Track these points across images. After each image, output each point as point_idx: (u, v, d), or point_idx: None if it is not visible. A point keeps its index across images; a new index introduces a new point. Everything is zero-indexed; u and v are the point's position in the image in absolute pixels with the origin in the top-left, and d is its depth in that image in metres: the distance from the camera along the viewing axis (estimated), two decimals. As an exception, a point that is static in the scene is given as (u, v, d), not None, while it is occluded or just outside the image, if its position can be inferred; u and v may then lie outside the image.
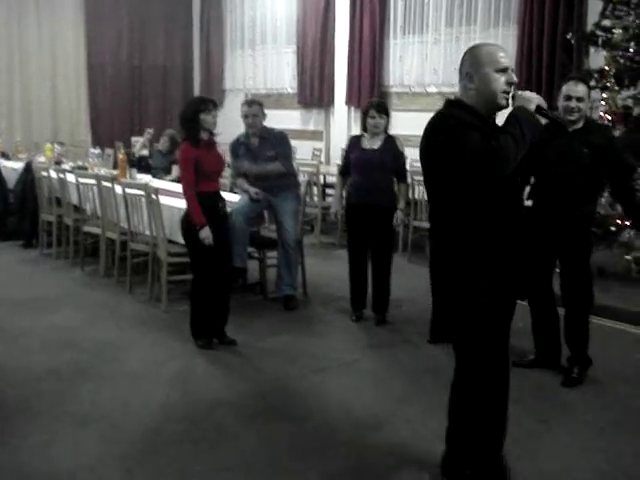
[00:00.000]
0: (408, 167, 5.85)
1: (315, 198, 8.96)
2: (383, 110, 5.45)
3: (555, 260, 4.52)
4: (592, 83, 6.11)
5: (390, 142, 5.45)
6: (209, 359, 4.78)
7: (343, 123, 10.95)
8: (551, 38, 8.16)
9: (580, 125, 4.32)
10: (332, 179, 9.59)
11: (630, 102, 6.28)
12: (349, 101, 10.68)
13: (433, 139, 2.87)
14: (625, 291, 5.95)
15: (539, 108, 2.85)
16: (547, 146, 4.41)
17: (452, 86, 9.53)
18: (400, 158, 5.56)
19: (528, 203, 4.43)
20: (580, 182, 4.30)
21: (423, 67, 9.83)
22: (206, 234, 4.70)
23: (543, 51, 8.25)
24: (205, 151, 4.80)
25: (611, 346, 5.02)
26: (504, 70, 2.85)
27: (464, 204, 2.89)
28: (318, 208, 8.60)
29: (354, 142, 5.60)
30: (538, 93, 8.09)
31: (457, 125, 2.78)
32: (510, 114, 2.82)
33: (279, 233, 5.91)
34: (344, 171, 5.68)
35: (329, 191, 9.66)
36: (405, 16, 9.93)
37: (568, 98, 4.28)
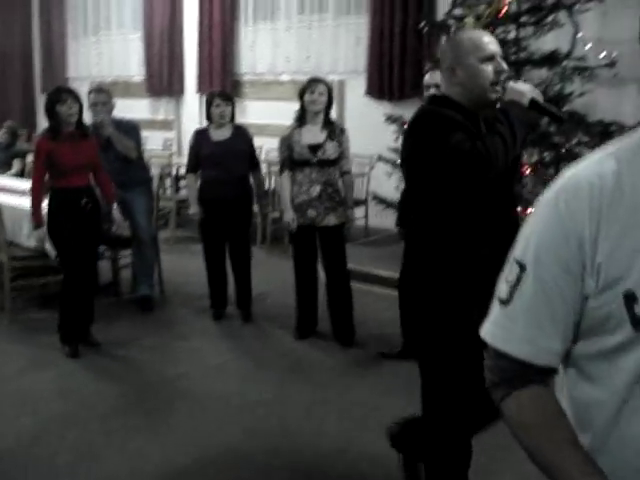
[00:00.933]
0: (263, 156, 5.66)
1: (168, 191, 8.59)
2: (228, 98, 5.24)
3: None
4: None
5: (240, 131, 5.25)
6: (66, 370, 4.40)
7: (195, 112, 10.57)
8: (403, 26, 8.21)
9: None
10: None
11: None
12: (200, 89, 10.33)
13: (411, 140, 2.54)
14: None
15: (533, 102, 2.42)
16: None
17: (305, 74, 9.35)
18: (252, 146, 5.34)
19: None
20: None
21: (275, 55, 9.65)
22: (38, 235, 4.54)
23: (394, 39, 8.30)
24: (64, 144, 4.44)
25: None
26: (491, 58, 2.45)
27: (445, 208, 2.51)
28: (172, 201, 8.25)
29: (202, 136, 5.27)
30: (389, 80, 8.25)
31: (439, 124, 2.43)
32: (500, 110, 2.47)
33: (133, 230, 5.54)
34: (194, 168, 5.32)
35: (184, 182, 9.30)
36: (256, 3, 9.70)
37: (427, 88, 4.25)
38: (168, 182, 8.63)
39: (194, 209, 5.26)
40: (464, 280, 2.52)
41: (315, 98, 4.67)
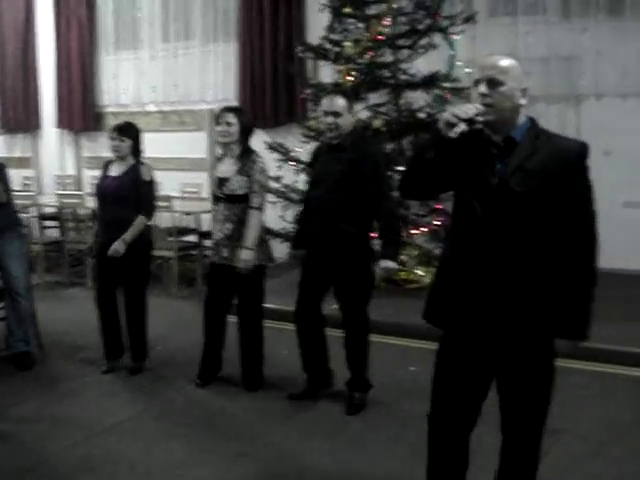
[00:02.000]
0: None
1: (34, 232, 7.98)
2: (125, 132, 4.81)
3: (327, 283, 4.28)
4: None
5: (134, 169, 4.82)
6: None
7: (54, 148, 10.03)
8: (273, 52, 8.10)
9: (337, 141, 4.12)
10: (50, 210, 8.67)
11: (367, 114, 6.34)
12: (60, 124, 9.79)
13: None
14: (375, 302, 5.94)
15: (450, 125, 2.36)
16: (314, 165, 4.26)
17: (172, 104, 9.13)
18: (142, 187, 4.83)
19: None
20: (334, 201, 4.04)
21: (140, 85, 9.28)
22: None
23: (265, 65, 8.18)
24: None
25: (383, 361, 4.91)
26: (476, 82, 2.45)
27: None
28: (39, 244, 7.66)
29: (104, 167, 4.94)
30: (262, 107, 8.09)
31: None
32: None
33: (5, 281, 5.01)
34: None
35: (48, 223, 8.71)
36: (117, 31, 9.30)
37: (325, 114, 4.08)
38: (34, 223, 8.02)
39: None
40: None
41: (221, 129, 4.39)
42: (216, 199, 4.51)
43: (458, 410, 2.68)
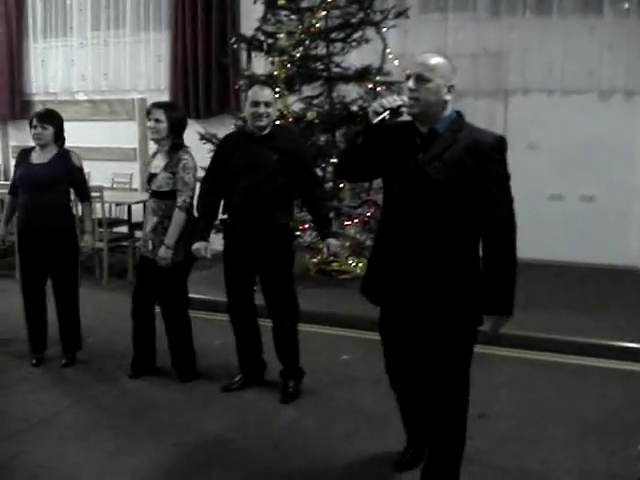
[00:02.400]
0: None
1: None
2: (47, 119, 4.72)
3: (255, 273, 4.31)
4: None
5: (63, 156, 4.75)
6: None
7: (-19, 137, 9.75)
8: (206, 42, 8.06)
9: (267, 131, 4.15)
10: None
11: (302, 106, 6.39)
12: (-15, 111, 9.51)
13: None
14: (309, 292, 6.01)
15: (377, 114, 2.71)
16: (233, 155, 4.19)
17: (102, 93, 8.99)
18: (75, 174, 4.80)
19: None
20: (272, 190, 4.10)
21: (70, 73, 9.10)
22: None
23: (198, 55, 8.12)
24: None
25: (316, 350, 4.98)
26: (407, 78, 2.74)
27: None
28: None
29: (22, 156, 4.81)
30: (195, 98, 8.02)
31: None
32: None
33: None
34: (13, 190, 4.86)
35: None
36: (46, 18, 9.09)
37: (256, 104, 4.07)
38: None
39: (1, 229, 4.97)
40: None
41: (151, 125, 4.36)
42: (149, 193, 4.54)
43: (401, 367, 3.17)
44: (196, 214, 4.36)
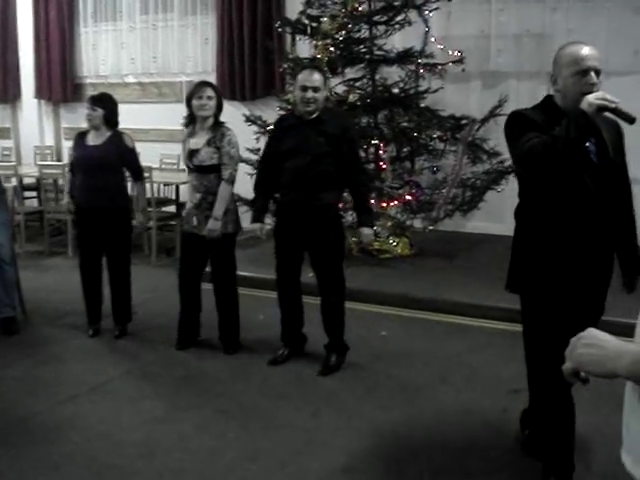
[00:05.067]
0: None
1: (15, 203, 8.07)
2: (98, 102, 4.95)
3: (304, 251, 4.47)
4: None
5: (116, 138, 4.97)
6: None
7: (33, 118, 10.06)
8: (252, 26, 8.19)
9: (315, 115, 4.29)
10: (29, 180, 8.75)
11: (344, 88, 6.50)
12: (39, 94, 9.83)
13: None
14: (350, 271, 6.14)
15: (600, 108, 2.57)
16: (284, 137, 4.35)
17: (151, 76, 9.21)
18: (128, 155, 5.04)
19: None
20: (318, 172, 4.24)
21: (119, 56, 9.33)
22: None
23: (244, 39, 8.26)
24: None
25: (356, 326, 5.12)
26: (585, 72, 2.73)
27: (531, 199, 3.00)
28: (20, 214, 7.78)
29: (78, 138, 5.06)
30: (241, 80, 8.17)
31: (516, 124, 2.84)
32: (566, 117, 2.69)
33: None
34: (71, 169, 5.14)
35: (28, 194, 8.81)
36: (96, 3, 9.32)
37: (304, 89, 4.20)
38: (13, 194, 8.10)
39: (64, 202, 5.25)
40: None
41: (204, 103, 4.52)
42: (189, 170, 4.70)
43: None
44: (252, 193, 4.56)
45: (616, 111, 2.57)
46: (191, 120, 4.63)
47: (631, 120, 2.55)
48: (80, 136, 5.07)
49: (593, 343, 1.29)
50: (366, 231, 4.45)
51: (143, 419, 3.83)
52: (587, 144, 2.76)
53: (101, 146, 4.93)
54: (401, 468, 3.32)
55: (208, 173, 4.56)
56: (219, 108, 4.60)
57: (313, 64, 4.71)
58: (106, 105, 4.98)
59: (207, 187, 4.57)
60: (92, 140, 4.97)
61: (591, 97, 2.56)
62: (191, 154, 4.59)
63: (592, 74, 2.70)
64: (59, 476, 3.26)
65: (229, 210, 4.59)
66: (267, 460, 3.39)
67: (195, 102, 4.53)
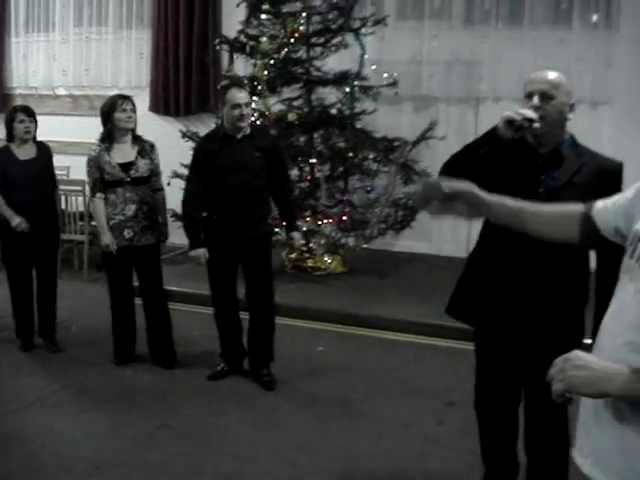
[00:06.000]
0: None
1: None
2: (32, 113, 4.91)
3: (237, 266, 4.54)
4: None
5: (43, 149, 4.99)
6: None
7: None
8: (187, 42, 8.21)
9: (248, 131, 4.39)
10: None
11: (282, 107, 6.60)
12: (-35, 104, 9.57)
13: None
14: (285, 287, 6.23)
15: (509, 122, 2.47)
16: (217, 156, 4.40)
17: (83, 89, 9.09)
18: (52, 165, 5.09)
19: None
20: (256, 187, 4.36)
21: (51, 68, 9.19)
22: None
23: (180, 54, 8.27)
24: None
25: (292, 342, 5.20)
26: (529, 95, 2.58)
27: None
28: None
29: (5, 155, 4.87)
30: (175, 96, 8.14)
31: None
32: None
33: None
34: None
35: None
36: (28, 13, 9.16)
37: (236, 106, 4.27)
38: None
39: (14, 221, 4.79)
40: None
41: (129, 115, 4.56)
42: (114, 184, 4.61)
43: (498, 399, 2.89)
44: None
45: (522, 128, 2.45)
46: (108, 135, 4.62)
47: (530, 121, 2.44)
48: (4, 152, 4.89)
49: (582, 365, 1.38)
50: (296, 235, 4.73)
51: (85, 434, 3.81)
52: (542, 176, 2.58)
53: (36, 159, 4.89)
54: (345, 478, 3.41)
55: (143, 184, 4.63)
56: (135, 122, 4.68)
57: (239, 82, 4.82)
58: (35, 117, 4.95)
59: (141, 198, 4.63)
60: (22, 154, 4.88)
61: (506, 112, 2.50)
62: (125, 167, 4.59)
63: (535, 97, 2.54)
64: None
65: (159, 220, 4.73)
66: (212, 474, 3.43)
67: (119, 115, 4.53)
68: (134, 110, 4.60)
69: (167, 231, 4.83)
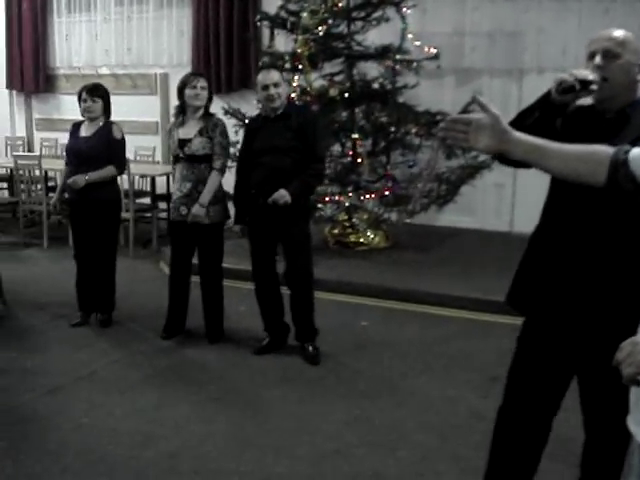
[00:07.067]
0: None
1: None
2: (97, 93, 4.97)
3: (276, 243, 4.58)
4: (287, 66, 6.32)
5: (105, 129, 4.99)
6: None
7: (5, 109, 10.00)
8: (228, 19, 8.24)
9: (281, 110, 4.41)
10: (0, 171, 8.72)
11: (324, 83, 6.59)
12: (11, 85, 9.76)
13: None
14: (328, 263, 6.26)
15: (561, 85, 2.17)
16: (254, 136, 4.46)
17: (125, 67, 9.19)
18: (114, 145, 5.01)
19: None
20: (287, 166, 4.36)
21: (93, 48, 9.30)
22: None
23: (220, 32, 8.30)
24: None
25: (337, 317, 5.24)
26: (591, 55, 2.25)
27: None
28: (-6, 205, 7.75)
29: (73, 129, 5.08)
30: (217, 73, 8.21)
31: None
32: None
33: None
34: (66, 160, 5.18)
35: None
36: (70, -6, 9.29)
37: (266, 87, 4.33)
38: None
39: (54, 198, 5.27)
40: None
41: (198, 92, 4.60)
42: (176, 159, 4.74)
43: (532, 406, 2.48)
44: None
45: (573, 89, 2.15)
46: (181, 110, 4.70)
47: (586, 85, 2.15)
48: (75, 126, 5.08)
49: None
50: (282, 192, 4.30)
51: (134, 408, 3.89)
52: (608, 143, 2.01)
53: (90, 138, 4.95)
54: (390, 452, 3.44)
55: (199, 163, 4.63)
56: (210, 99, 4.69)
57: (269, 63, 4.90)
58: (104, 95, 5.01)
59: (198, 176, 4.64)
60: (84, 131, 5.00)
61: (559, 75, 2.21)
62: (182, 143, 4.64)
63: (597, 56, 2.22)
64: (57, 467, 3.29)
65: (217, 199, 4.67)
66: (259, 445, 3.48)
67: (188, 91, 4.59)
68: (205, 88, 4.63)
69: (221, 211, 4.71)
